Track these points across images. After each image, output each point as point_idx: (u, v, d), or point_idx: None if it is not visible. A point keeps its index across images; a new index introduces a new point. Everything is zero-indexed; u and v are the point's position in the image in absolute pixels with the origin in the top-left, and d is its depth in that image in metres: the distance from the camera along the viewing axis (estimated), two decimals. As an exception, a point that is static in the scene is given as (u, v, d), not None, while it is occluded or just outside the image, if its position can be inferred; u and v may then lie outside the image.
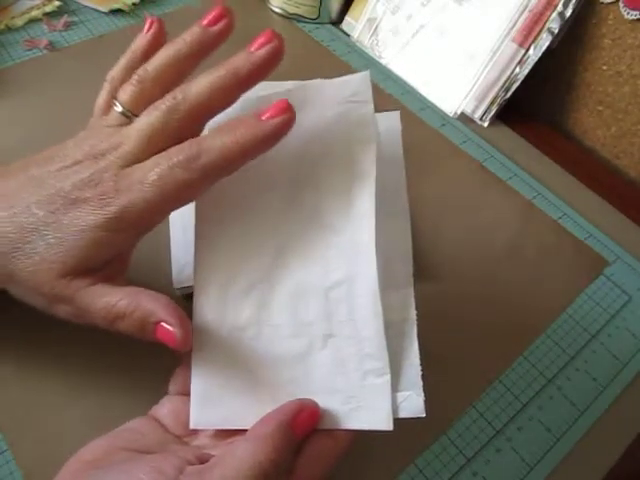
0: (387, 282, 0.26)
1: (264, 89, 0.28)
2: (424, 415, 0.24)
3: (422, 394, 0.24)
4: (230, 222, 0.27)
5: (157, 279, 0.36)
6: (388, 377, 0.24)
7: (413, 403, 0.24)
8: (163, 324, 0.25)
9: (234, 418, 0.25)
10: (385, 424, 0.24)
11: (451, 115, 0.53)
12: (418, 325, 0.27)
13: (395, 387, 0.25)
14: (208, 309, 0.26)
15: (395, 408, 0.24)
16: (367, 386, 0.25)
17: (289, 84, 0.47)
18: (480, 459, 0.33)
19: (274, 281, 0.26)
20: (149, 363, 0.34)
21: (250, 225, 0.27)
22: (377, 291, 0.25)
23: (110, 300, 0.26)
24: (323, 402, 0.25)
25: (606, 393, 0.36)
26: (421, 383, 0.25)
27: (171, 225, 0.39)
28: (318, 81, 0.27)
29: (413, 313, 0.26)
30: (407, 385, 0.25)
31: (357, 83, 0.27)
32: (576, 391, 0.36)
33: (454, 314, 0.38)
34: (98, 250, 0.26)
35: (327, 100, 0.27)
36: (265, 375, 0.25)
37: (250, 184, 0.27)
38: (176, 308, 0.25)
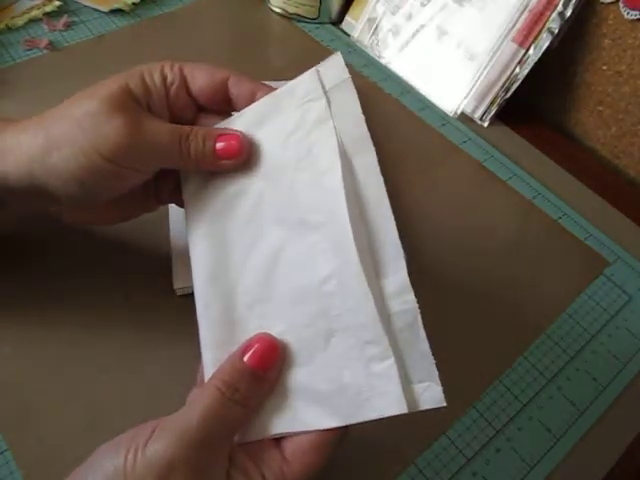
0: (377, 269, 0.25)
1: None
2: (445, 405, 0.23)
3: (439, 383, 0.23)
4: (217, 244, 0.28)
5: (157, 279, 0.36)
6: (391, 360, 0.24)
7: (432, 394, 0.23)
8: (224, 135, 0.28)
9: (243, 433, 0.25)
10: (398, 407, 0.23)
11: (451, 115, 0.53)
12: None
13: (411, 379, 0.24)
14: (215, 344, 0.27)
15: (415, 401, 0.24)
16: (373, 374, 0.24)
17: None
18: (480, 459, 0.33)
19: (270, 293, 0.27)
20: (150, 365, 0.34)
21: (236, 244, 0.28)
22: (363, 276, 0.24)
23: (176, 126, 0.29)
24: (335, 401, 0.24)
25: (606, 393, 0.36)
26: (437, 372, 0.24)
27: (171, 226, 0.39)
28: (274, 94, 0.29)
29: (412, 300, 0.24)
30: (423, 376, 0.24)
31: (307, 82, 0.28)
32: (576, 391, 0.36)
33: (454, 314, 0.38)
34: None
35: (287, 108, 0.29)
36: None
37: (228, 204, 0.29)
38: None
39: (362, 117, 0.28)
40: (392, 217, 0.26)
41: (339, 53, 0.29)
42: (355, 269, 0.25)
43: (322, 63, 0.29)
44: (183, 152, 0.28)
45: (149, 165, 0.29)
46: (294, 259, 0.27)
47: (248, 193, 0.29)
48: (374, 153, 0.27)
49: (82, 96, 0.28)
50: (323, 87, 0.28)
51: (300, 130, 0.28)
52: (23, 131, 0.28)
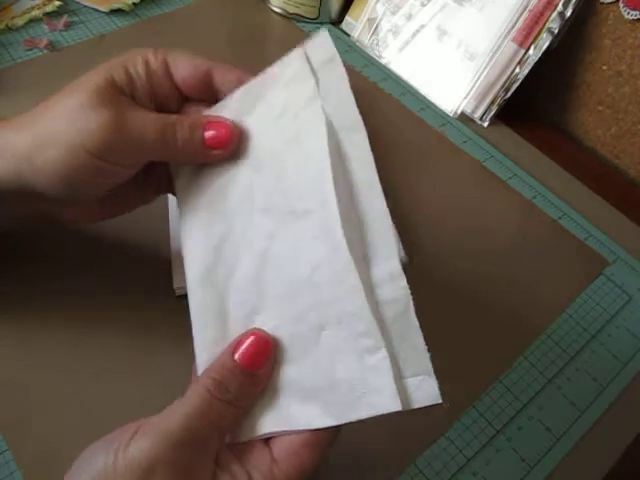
0: (367, 256, 0.24)
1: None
2: (440, 401, 0.22)
3: (434, 377, 0.22)
4: (208, 239, 0.28)
5: (157, 279, 0.37)
6: (384, 351, 0.22)
7: (426, 389, 0.22)
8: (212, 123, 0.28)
9: (233, 433, 0.25)
10: (393, 405, 0.22)
11: (451, 115, 0.53)
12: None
13: (403, 373, 0.22)
14: (208, 341, 0.26)
15: (407, 398, 0.22)
16: (366, 368, 0.23)
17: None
18: (480, 459, 0.33)
19: (261, 288, 0.26)
20: (150, 364, 0.34)
21: (226, 238, 0.27)
22: (352, 264, 0.23)
23: (161, 115, 0.28)
24: (328, 399, 0.23)
25: (606, 393, 0.36)
26: (430, 365, 0.22)
27: (171, 226, 0.39)
28: (260, 77, 0.28)
29: (404, 288, 0.23)
30: (415, 370, 0.22)
31: (295, 63, 0.27)
32: (576, 391, 0.36)
33: (453, 314, 0.38)
34: None
35: (274, 89, 0.28)
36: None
37: (218, 195, 0.28)
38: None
39: (351, 95, 0.26)
40: (383, 199, 0.24)
41: (326, 31, 0.28)
42: (343, 257, 0.23)
43: (309, 42, 0.28)
44: (170, 143, 0.27)
45: (136, 159, 0.28)
46: (284, 251, 0.26)
47: (237, 183, 0.28)
48: (364, 131, 0.25)
49: (66, 92, 0.28)
50: (311, 66, 0.27)
51: (288, 112, 0.27)
52: (10, 131, 0.28)
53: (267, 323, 0.25)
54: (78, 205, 0.31)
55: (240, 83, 0.29)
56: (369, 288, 0.23)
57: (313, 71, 0.27)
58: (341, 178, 0.25)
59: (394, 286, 0.23)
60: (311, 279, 0.24)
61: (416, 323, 0.23)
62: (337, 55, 0.27)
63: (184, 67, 0.29)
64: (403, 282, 0.23)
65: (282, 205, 0.26)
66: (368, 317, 0.23)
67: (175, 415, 0.23)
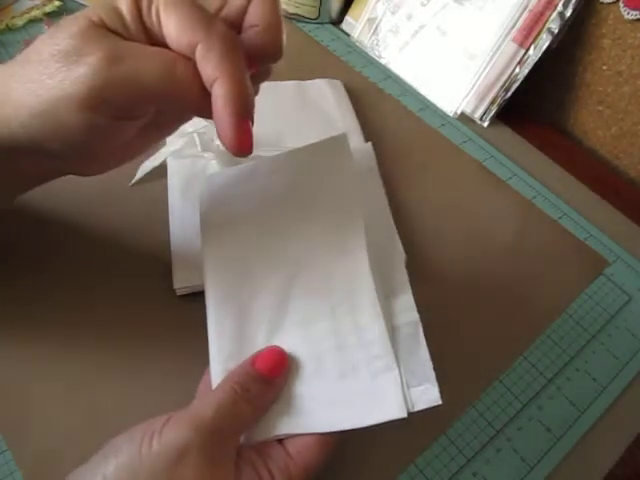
0: (386, 292, 0.29)
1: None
2: (441, 403, 0.26)
3: (436, 384, 0.26)
4: (236, 267, 0.30)
5: (157, 280, 0.36)
6: (396, 372, 0.26)
7: (429, 394, 0.26)
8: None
9: (248, 434, 0.26)
10: (399, 412, 0.26)
11: (451, 115, 0.53)
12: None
13: (410, 384, 0.26)
14: (226, 357, 0.28)
15: (413, 402, 0.26)
16: (378, 384, 0.27)
17: (290, 84, 0.48)
18: (480, 459, 0.33)
19: (283, 311, 0.29)
20: (150, 364, 0.34)
21: (255, 269, 0.30)
22: (376, 299, 0.28)
23: (163, 49, 0.23)
24: (341, 408, 0.26)
25: (606, 393, 0.36)
26: (434, 375, 0.26)
27: (171, 226, 0.39)
28: (301, 148, 0.32)
29: (416, 315, 0.28)
30: (421, 380, 0.26)
31: (335, 144, 0.31)
32: (576, 391, 0.36)
33: (454, 314, 0.38)
34: None
35: (312, 163, 0.31)
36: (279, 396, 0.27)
37: (252, 239, 0.31)
38: None
39: (385, 200, 0.35)
40: (402, 261, 0.31)
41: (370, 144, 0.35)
42: (370, 294, 0.28)
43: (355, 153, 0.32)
44: (177, 80, 0.23)
45: (135, 104, 0.24)
46: (309, 285, 0.29)
47: (271, 234, 0.30)
48: (392, 222, 0.35)
49: (44, 39, 0.23)
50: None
51: (325, 180, 0.31)
52: None
53: (285, 343, 0.28)
54: (93, 159, 0.27)
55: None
56: (387, 315, 0.28)
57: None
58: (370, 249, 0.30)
59: (408, 314, 0.28)
60: (334, 310, 0.28)
61: (424, 342, 0.27)
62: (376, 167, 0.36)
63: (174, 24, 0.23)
64: (414, 311, 0.28)
65: (310, 253, 0.30)
66: (385, 343, 0.27)
67: (204, 406, 0.24)
